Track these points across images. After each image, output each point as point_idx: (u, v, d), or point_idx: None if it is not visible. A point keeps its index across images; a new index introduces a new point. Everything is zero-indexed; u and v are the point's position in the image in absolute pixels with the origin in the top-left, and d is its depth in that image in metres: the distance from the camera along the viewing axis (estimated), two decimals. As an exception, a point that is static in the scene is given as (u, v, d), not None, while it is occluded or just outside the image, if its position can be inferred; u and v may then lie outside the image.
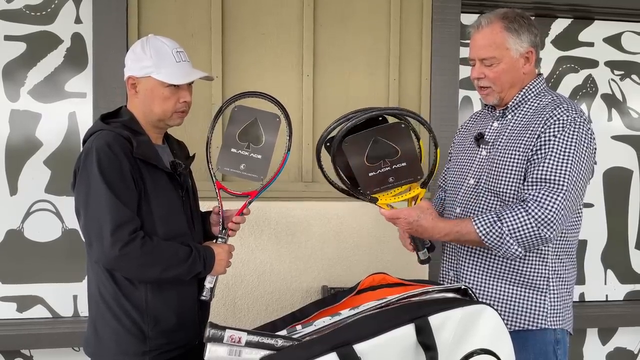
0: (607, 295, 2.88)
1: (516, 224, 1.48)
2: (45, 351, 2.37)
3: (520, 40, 1.60)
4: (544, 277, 1.59)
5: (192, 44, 2.34)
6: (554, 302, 1.59)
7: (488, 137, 1.69)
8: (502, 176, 1.59)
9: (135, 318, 1.51)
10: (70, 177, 1.57)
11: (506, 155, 1.60)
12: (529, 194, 1.50)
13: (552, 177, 1.48)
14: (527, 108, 1.63)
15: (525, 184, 1.53)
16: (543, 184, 1.49)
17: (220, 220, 1.68)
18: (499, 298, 1.61)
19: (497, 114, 1.70)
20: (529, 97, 1.64)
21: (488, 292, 1.62)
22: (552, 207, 1.46)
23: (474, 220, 1.53)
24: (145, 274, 1.48)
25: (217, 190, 1.70)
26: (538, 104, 1.62)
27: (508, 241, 1.49)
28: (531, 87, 1.64)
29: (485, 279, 1.63)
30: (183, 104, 1.58)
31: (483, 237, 1.51)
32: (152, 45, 1.56)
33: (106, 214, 1.42)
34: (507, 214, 1.50)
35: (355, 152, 1.56)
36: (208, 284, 1.60)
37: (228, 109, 1.73)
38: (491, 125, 1.71)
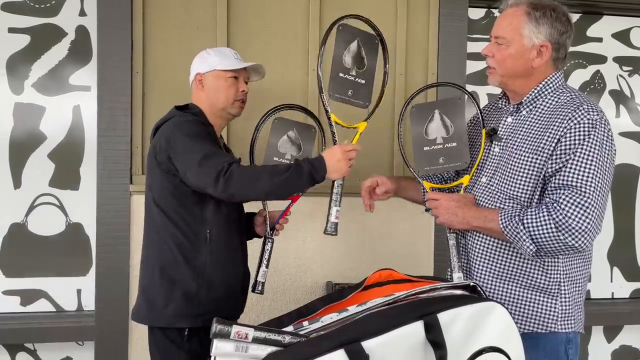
0: (613, 293, 2.86)
1: (535, 223, 1.45)
2: (49, 345, 2.36)
3: (537, 30, 1.53)
4: (556, 281, 1.55)
5: (197, 37, 2.32)
6: (566, 306, 1.55)
7: (501, 133, 1.64)
8: (517, 179, 1.54)
9: (192, 282, 1.67)
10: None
11: (522, 157, 1.54)
12: (552, 198, 1.47)
13: (576, 184, 1.44)
14: (544, 105, 1.57)
15: (549, 188, 1.50)
16: (566, 189, 1.45)
17: (266, 221, 1.86)
18: (509, 300, 1.57)
19: (512, 109, 1.64)
20: (546, 92, 1.58)
21: (498, 293, 1.59)
22: (575, 214, 1.42)
23: (500, 212, 1.53)
24: (257, 184, 1.60)
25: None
26: (556, 101, 1.55)
27: (522, 237, 1.47)
28: (549, 82, 1.57)
29: (496, 281, 1.59)
30: (242, 93, 1.81)
31: (503, 229, 1.51)
32: (215, 49, 1.88)
33: (199, 151, 1.62)
34: (529, 212, 1.48)
35: (418, 121, 1.74)
36: (261, 277, 1.78)
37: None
38: (505, 120, 1.65)
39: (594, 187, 1.43)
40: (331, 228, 1.72)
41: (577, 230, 1.41)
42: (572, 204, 1.42)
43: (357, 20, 1.83)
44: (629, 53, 2.81)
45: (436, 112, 1.74)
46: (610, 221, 2.83)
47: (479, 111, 1.73)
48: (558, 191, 1.46)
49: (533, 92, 1.59)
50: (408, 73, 2.48)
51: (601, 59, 2.79)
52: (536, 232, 1.45)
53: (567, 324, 1.55)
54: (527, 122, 1.58)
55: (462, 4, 2.50)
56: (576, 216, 1.41)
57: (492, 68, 1.61)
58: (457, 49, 2.49)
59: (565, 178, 1.45)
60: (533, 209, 1.48)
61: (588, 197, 1.42)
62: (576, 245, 1.43)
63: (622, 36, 2.80)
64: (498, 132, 1.64)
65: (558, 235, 1.43)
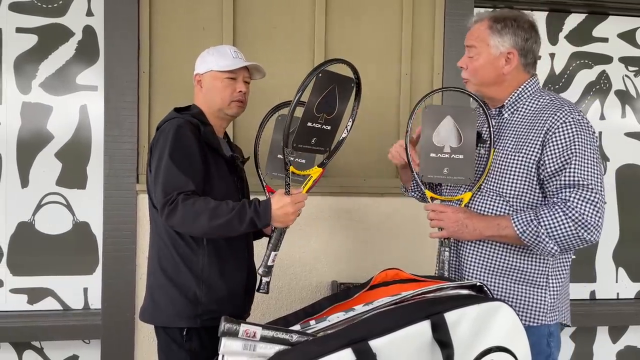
0: (618, 294, 2.86)
1: (553, 224, 1.50)
2: (56, 343, 2.38)
3: (501, 39, 1.63)
4: (544, 274, 1.60)
5: (203, 37, 2.33)
6: (553, 298, 1.60)
7: (485, 136, 1.70)
8: (506, 177, 1.61)
9: (191, 284, 1.68)
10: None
11: (509, 157, 1.61)
12: (562, 197, 1.52)
13: (583, 182, 1.51)
14: (525, 107, 1.65)
15: (553, 187, 1.55)
16: (574, 188, 1.52)
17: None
18: (501, 295, 1.61)
19: (493, 113, 1.72)
20: (525, 96, 1.66)
21: (490, 289, 1.61)
22: (590, 210, 1.49)
23: (513, 218, 1.55)
24: (195, 223, 1.57)
25: (267, 194, 1.81)
26: (536, 104, 1.64)
27: (544, 240, 1.52)
28: (527, 86, 1.67)
29: (487, 276, 1.63)
30: (239, 93, 1.77)
31: (520, 235, 1.53)
32: (215, 48, 1.83)
33: (163, 173, 1.61)
34: (544, 213, 1.52)
35: (429, 124, 1.69)
36: (264, 279, 1.69)
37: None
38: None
39: (597, 183, 1.52)
40: (264, 270, 1.66)
41: (592, 225, 1.49)
42: (584, 201, 1.50)
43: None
44: (634, 53, 2.81)
45: (448, 118, 1.69)
46: (616, 222, 2.83)
47: (490, 129, 1.66)
48: (566, 190, 1.52)
49: (513, 95, 1.67)
50: (413, 73, 2.48)
51: (607, 59, 2.79)
52: (556, 233, 1.50)
53: (554, 315, 1.61)
54: (511, 124, 1.66)
55: (468, 3, 2.50)
56: (590, 212, 1.49)
57: (466, 79, 1.71)
58: (462, 49, 2.48)
59: (572, 177, 1.52)
60: (546, 211, 1.53)
61: (596, 193, 1.51)
62: (592, 239, 1.51)
63: (628, 36, 2.80)
64: (482, 135, 1.71)
65: (577, 233, 1.49)
